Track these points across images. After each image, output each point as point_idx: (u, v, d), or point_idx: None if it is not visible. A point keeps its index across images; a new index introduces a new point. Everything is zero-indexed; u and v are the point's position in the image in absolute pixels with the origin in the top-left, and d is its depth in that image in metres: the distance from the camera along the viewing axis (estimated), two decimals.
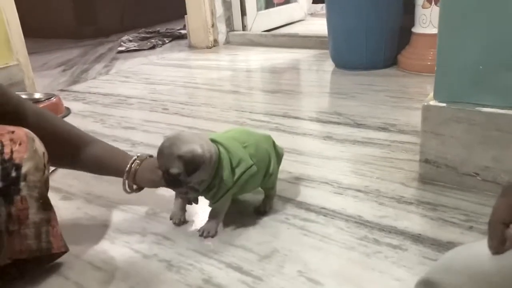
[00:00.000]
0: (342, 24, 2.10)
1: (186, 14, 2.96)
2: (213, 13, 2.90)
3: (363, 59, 2.07)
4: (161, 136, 0.92)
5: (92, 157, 1.00)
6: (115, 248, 0.93)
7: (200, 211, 1.02)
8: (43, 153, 0.84)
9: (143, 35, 3.51)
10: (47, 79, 2.46)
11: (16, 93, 0.99)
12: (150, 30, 3.67)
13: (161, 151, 0.88)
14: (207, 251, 0.89)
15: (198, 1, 2.84)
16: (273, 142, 1.01)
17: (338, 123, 1.49)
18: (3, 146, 0.79)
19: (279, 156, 1.02)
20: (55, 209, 0.85)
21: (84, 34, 3.73)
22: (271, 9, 3.20)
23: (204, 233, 0.93)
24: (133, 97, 1.99)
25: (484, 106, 0.97)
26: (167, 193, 1.04)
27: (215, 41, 2.95)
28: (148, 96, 1.99)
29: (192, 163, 0.85)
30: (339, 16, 2.11)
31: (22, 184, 0.78)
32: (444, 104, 1.02)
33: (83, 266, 0.88)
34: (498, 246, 0.49)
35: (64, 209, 1.08)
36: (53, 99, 1.75)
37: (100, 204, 1.11)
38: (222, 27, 2.98)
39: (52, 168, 1.23)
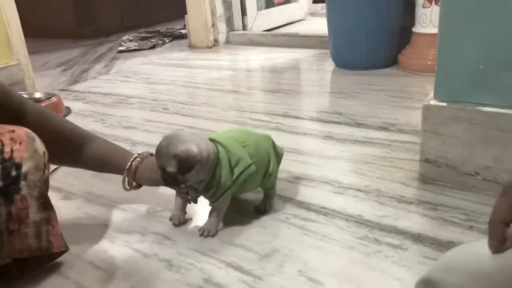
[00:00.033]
0: (342, 23, 2.09)
1: (186, 13, 2.96)
2: (213, 13, 2.90)
3: (363, 59, 2.06)
4: (161, 136, 0.92)
5: (94, 155, 1.00)
6: (115, 248, 0.93)
7: (200, 211, 1.02)
8: (44, 152, 0.84)
9: (143, 34, 3.51)
10: (48, 78, 2.46)
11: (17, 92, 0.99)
12: (150, 30, 3.67)
13: (158, 150, 0.89)
14: (207, 250, 0.89)
15: (198, 1, 2.84)
16: (273, 142, 1.01)
17: (339, 123, 1.49)
18: (3, 145, 0.79)
19: (278, 156, 1.02)
20: (55, 208, 0.85)
21: (84, 34, 3.73)
22: (271, 9, 3.20)
23: (205, 233, 0.93)
24: (134, 96, 1.99)
25: (484, 105, 0.97)
26: (168, 192, 1.04)
27: (216, 40, 2.95)
28: (149, 95, 1.99)
29: (186, 163, 0.86)
30: (340, 15, 2.10)
31: (22, 183, 0.79)
32: (444, 104, 1.02)
33: (83, 265, 0.88)
34: (498, 246, 0.49)
35: (64, 209, 1.08)
36: (54, 99, 1.75)
37: (100, 203, 1.11)
38: (222, 27, 2.98)
39: (52, 168, 1.23)
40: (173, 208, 0.99)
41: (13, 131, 0.81)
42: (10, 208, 0.77)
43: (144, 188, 1.03)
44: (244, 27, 3.02)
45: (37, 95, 1.87)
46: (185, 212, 1.00)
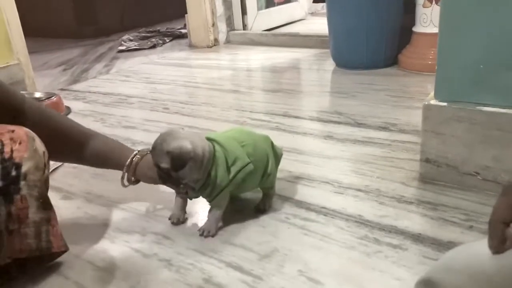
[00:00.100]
0: (342, 23, 2.09)
1: (186, 13, 2.96)
2: (213, 13, 2.89)
3: (363, 59, 2.06)
4: None
5: (94, 151, 1.00)
6: (115, 248, 0.93)
7: (200, 210, 1.02)
8: (43, 152, 0.84)
9: (143, 34, 3.51)
10: (48, 78, 2.46)
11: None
12: (150, 30, 3.67)
13: (154, 147, 0.90)
14: (207, 250, 0.89)
15: (199, 1, 2.84)
16: (272, 143, 1.01)
17: (339, 123, 1.49)
18: (3, 145, 0.79)
19: (277, 157, 1.02)
20: (55, 208, 0.85)
21: (84, 33, 3.73)
22: (271, 8, 3.20)
23: (204, 233, 0.93)
24: (134, 96, 1.99)
25: (484, 105, 0.97)
26: (167, 191, 1.04)
27: (216, 40, 2.95)
28: (149, 95, 1.99)
29: (179, 159, 0.86)
30: (340, 15, 2.10)
31: (22, 183, 0.78)
32: (444, 104, 1.02)
33: (83, 265, 0.88)
34: (498, 246, 0.49)
35: (64, 209, 1.08)
36: (54, 98, 1.75)
37: (100, 203, 1.11)
38: (222, 27, 2.98)
39: (52, 167, 1.23)
40: (173, 207, 0.99)
41: (13, 131, 0.81)
42: (10, 208, 0.77)
43: (144, 187, 1.03)
44: (244, 26, 3.02)
45: (37, 94, 1.87)
46: (185, 212, 1.00)
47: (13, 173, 0.78)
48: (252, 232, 0.94)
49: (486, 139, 0.98)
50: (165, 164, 0.87)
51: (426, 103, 1.04)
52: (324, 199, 1.04)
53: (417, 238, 0.87)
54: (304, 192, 1.07)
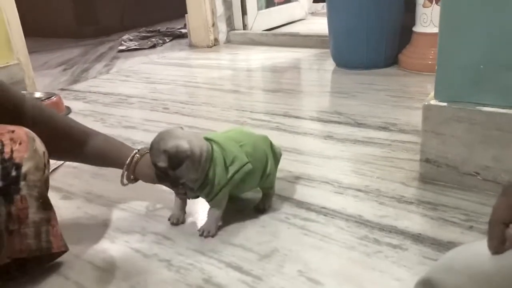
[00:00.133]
0: (343, 23, 2.09)
1: (186, 13, 2.96)
2: (213, 12, 2.89)
3: (363, 58, 2.06)
4: None
5: (94, 150, 1.01)
6: (115, 248, 0.93)
7: (200, 211, 1.02)
8: (43, 152, 0.84)
9: (143, 34, 3.51)
10: (48, 78, 2.46)
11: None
12: (150, 29, 3.67)
13: (151, 146, 0.91)
14: (207, 250, 0.89)
15: (199, 0, 2.84)
16: (271, 143, 1.01)
17: (339, 123, 1.49)
18: (3, 145, 0.79)
19: (276, 157, 1.02)
20: (55, 208, 0.85)
21: (84, 33, 3.73)
22: (271, 8, 3.20)
23: (204, 233, 0.93)
24: (134, 96, 1.99)
25: (484, 105, 0.97)
26: (167, 191, 1.04)
27: (216, 40, 2.95)
28: (149, 95, 1.99)
29: (175, 158, 0.87)
30: (340, 15, 2.10)
31: (22, 183, 0.79)
32: (444, 104, 1.02)
33: (83, 265, 0.88)
34: (498, 246, 0.49)
35: (64, 209, 1.08)
36: (54, 98, 1.75)
37: (100, 203, 1.11)
38: (222, 26, 2.98)
39: (52, 167, 1.23)
40: (173, 207, 0.99)
41: (13, 131, 0.81)
42: (10, 208, 0.77)
43: (144, 187, 1.03)
44: (245, 26, 3.02)
45: (37, 94, 1.87)
46: (185, 212, 1.00)
47: (13, 173, 0.78)
48: (252, 232, 0.94)
49: (486, 139, 0.98)
50: (162, 163, 0.88)
51: (426, 103, 1.04)
52: (324, 199, 1.04)
53: (417, 238, 0.87)
54: (304, 192, 1.07)
